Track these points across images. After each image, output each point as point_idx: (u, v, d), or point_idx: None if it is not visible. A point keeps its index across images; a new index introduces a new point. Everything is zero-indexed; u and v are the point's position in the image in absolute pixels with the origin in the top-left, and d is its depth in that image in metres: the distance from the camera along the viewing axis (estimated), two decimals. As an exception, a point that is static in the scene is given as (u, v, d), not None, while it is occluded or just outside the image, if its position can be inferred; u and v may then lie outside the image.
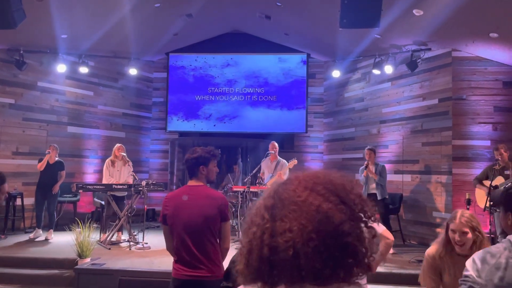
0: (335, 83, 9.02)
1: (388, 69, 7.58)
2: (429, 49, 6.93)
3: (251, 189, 6.67)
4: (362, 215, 0.86)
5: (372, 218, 0.87)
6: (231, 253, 2.38)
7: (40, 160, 7.04)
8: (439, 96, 6.81)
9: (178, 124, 9.45)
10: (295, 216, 0.82)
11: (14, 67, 7.64)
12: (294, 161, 6.57)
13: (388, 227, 6.21)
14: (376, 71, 7.71)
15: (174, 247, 2.56)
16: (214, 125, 9.28)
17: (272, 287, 0.83)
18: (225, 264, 2.57)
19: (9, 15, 4.74)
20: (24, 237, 6.98)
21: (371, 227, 0.87)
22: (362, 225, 0.85)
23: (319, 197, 0.83)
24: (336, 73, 8.55)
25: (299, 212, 0.82)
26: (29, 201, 7.76)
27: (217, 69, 9.42)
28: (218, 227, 2.56)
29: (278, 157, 6.93)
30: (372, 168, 6.32)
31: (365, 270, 0.84)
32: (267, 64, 9.30)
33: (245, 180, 6.95)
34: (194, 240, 2.50)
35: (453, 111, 6.57)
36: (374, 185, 6.29)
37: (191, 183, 2.64)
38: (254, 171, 6.83)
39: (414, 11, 5.74)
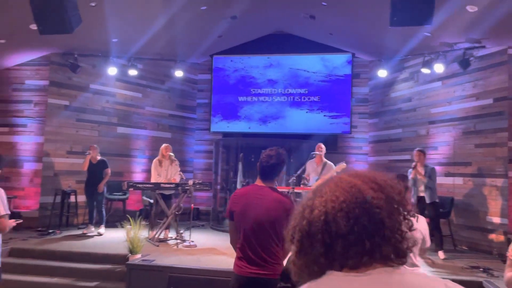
0: (381, 83, 8.78)
1: (438, 68, 7.26)
2: (483, 47, 6.63)
3: (295, 190, 6.56)
4: (399, 207, 0.87)
5: (410, 214, 0.88)
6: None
7: (83, 163, 7.20)
8: (494, 95, 6.51)
9: (221, 125, 9.54)
10: (331, 190, 0.87)
11: (69, 70, 7.92)
12: (342, 165, 6.29)
13: (438, 231, 6.01)
14: (425, 70, 7.42)
15: (240, 244, 2.58)
16: (257, 126, 9.32)
17: (319, 270, 0.85)
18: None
19: (66, 20, 4.90)
20: (77, 233, 7.18)
21: (408, 219, 0.88)
22: (398, 215, 0.86)
23: (358, 180, 0.89)
24: (382, 73, 8.30)
25: (335, 187, 0.88)
26: (82, 198, 7.97)
27: (259, 70, 9.42)
28: (283, 230, 2.54)
29: (325, 159, 6.78)
30: (421, 170, 6.10)
31: (399, 256, 0.84)
32: (310, 64, 9.19)
33: (289, 181, 6.83)
34: (260, 239, 2.51)
35: (509, 111, 6.29)
36: (422, 188, 6.08)
37: (261, 183, 2.62)
38: (298, 172, 6.71)
39: (467, 8, 5.49)
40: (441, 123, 7.41)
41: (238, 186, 8.13)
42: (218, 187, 8.91)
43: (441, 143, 7.33)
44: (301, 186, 6.56)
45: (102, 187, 7.07)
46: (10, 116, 7.92)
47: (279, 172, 2.62)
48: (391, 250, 0.83)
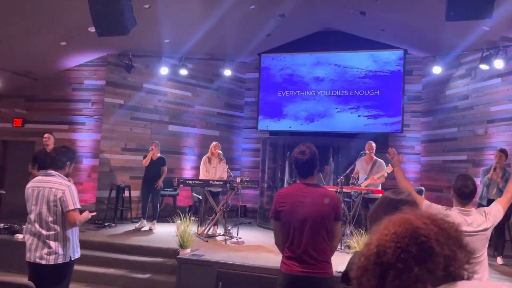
0: (435, 80, 8.45)
1: (498, 63, 6.87)
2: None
3: (344, 190, 6.44)
4: (455, 242, 0.88)
5: (466, 265, 0.88)
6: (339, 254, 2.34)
7: (144, 157, 7.32)
8: (557, 92, 6.06)
9: (268, 123, 9.55)
10: (385, 226, 0.91)
11: (124, 70, 8.19)
12: (389, 168, 6.09)
13: (501, 236, 5.70)
14: (483, 66, 7.05)
15: (288, 243, 2.54)
16: (304, 125, 9.24)
17: None
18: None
19: (122, 22, 5.08)
20: (131, 226, 7.35)
21: (469, 262, 0.89)
22: (453, 247, 0.87)
23: (412, 216, 0.91)
24: (436, 69, 7.96)
25: (388, 222, 0.92)
26: (135, 193, 8.22)
27: (306, 68, 9.32)
28: (331, 226, 2.52)
29: (375, 157, 6.61)
30: (499, 172, 5.71)
31: (450, 277, 0.85)
32: (359, 62, 8.99)
33: (338, 180, 6.73)
34: (309, 238, 2.48)
35: None
36: (495, 191, 5.72)
37: (305, 181, 2.60)
38: (347, 171, 6.61)
39: (532, -1, 5.15)
40: (501, 122, 7.05)
41: (285, 184, 8.11)
42: (265, 185, 8.93)
43: (501, 143, 6.95)
44: (350, 185, 6.41)
45: (161, 183, 7.22)
46: (70, 115, 8.25)
47: (316, 166, 2.59)
48: (444, 275, 0.84)
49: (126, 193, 8.05)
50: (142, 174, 7.52)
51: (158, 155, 7.36)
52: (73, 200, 3.07)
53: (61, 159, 3.17)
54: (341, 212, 2.56)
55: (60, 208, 3.05)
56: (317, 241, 2.48)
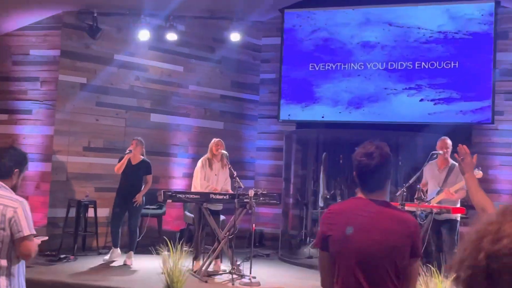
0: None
1: None
2: None
3: (406, 207, 6.33)
4: None
5: None
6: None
7: (120, 159, 7.33)
8: None
9: (295, 110, 9.51)
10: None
11: (86, 35, 8.20)
12: (478, 173, 5.91)
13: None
14: None
15: (340, 285, 2.55)
16: (345, 112, 9.30)
17: None
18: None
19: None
20: (97, 260, 7.42)
21: None
22: None
23: None
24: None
25: None
26: (104, 212, 8.16)
27: (350, 30, 9.34)
28: (405, 264, 2.49)
29: (451, 160, 6.45)
30: None
31: None
32: (429, 20, 8.93)
33: (397, 194, 6.59)
34: (370, 277, 2.47)
35: None
36: None
37: (370, 196, 2.58)
38: (410, 181, 6.57)
39: None
40: None
41: (321, 200, 8.29)
42: (291, 200, 8.93)
43: None
44: (415, 201, 6.38)
45: (141, 198, 7.30)
46: (10, 99, 8.26)
47: (389, 175, 2.63)
48: None
49: (91, 212, 8.04)
50: (114, 184, 7.53)
51: (141, 157, 7.43)
52: (28, 223, 3.07)
53: (5, 164, 3.16)
54: (421, 246, 2.55)
55: (8, 232, 3.03)
56: (382, 282, 2.47)
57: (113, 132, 8.58)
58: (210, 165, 7.08)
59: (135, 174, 7.35)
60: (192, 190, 7.09)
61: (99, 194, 8.28)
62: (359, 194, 2.63)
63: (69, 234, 7.84)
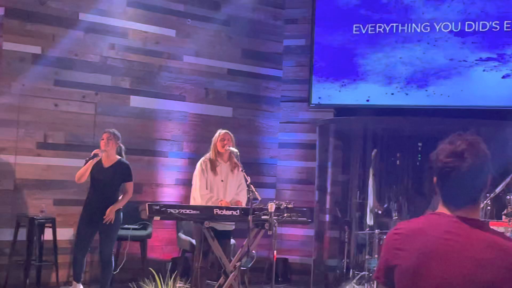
0: None
1: None
2: None
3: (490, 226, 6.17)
4: None
5: None
6: None
7: (86, 162, 7.25)
8: None
9: (331, 91, 9.50)
10: None
11: (41, -13, 8.15)
12: None
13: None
14: None
15: None
16: (401, 93, 9.28)
17: None
18: None
19: None
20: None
21: None
22: None
23: None
24: None
25: None
26: (66, 233, 8.09)
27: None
28: None
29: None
30: None
31: None
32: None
33: (481, 206, 6.49)
34: None
35: None
36: None
37: (457, 212, 2.47)
38: (497, 190, 6.73)
39: None
40: None
41: (370, 217, 8.41)
42: (327, 217, 8.99)
43: None
44: (504, 218, 6.48)
45: (112, 215, 7.24)
46: None
47: (484, 186, 2.51)
48: None
49: (48, 234, 7.98)
50: (81, 195, 7.54)
51: (117, 158, 7.42)
52: None
53: None
54: None
55: None
56: None
57: (79, 122, 8.52)
58: (213, 168, 7.02)
59: (108, 181, 7.29)
60: (191, 203, 7.08)
61: (60, 209, 8.22)
62: (441, 209, 2.55)
63: (18, 265, 7.85)
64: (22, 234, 7.82)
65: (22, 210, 8.08)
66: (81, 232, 7.31)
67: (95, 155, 7.17)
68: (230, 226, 7.03)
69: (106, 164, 7.29)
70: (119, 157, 7.42)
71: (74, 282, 7.34)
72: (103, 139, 7.26)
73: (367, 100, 9.26)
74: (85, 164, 7.24)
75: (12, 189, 8.08)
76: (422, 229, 2.52)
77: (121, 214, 7.38)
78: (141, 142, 8.83)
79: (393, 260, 2.53)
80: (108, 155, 7.29)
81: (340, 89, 9.40)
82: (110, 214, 7.15)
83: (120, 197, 7.38)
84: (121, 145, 7.50)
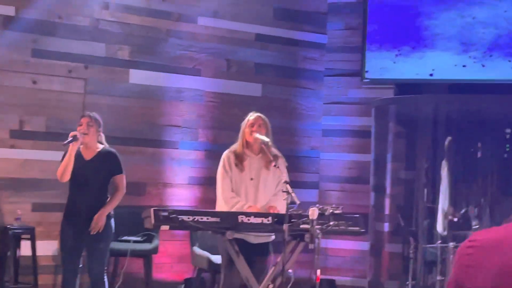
0: None
1: None
2: None
3: None
4: None
5: None
6: None
7: (63, 156, 7.21)
8: None
9: (391, 62, 9.52)
10: None
11: None
12: None
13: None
14: None
15: None
16: (477, 64, 9.29)
17: None
18: None
19: None
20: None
21: None
22: None
23: None
24: None
25: None
26: (49, 246, 8.14)
27: None
28: None
29: None
30: None
31: None
32: None
33: None
34: None
35: None
36: None
37: None
38: None
39: None
40: None
41: (442, 225, 8.43)
42: (386, 226, 9.04)
43: None
44: None
45: (103, 221, 7.21)
46: None
47: None
48: None
49: (26, 248, 8.07)
50: (61, 197, 7.54)
51: (100, 147, 7.42)
52: None
53: None
54: None
55: None
56: None
57: (64, 104, 8.56)
58: (240, 163, 6.98)
59: (92, 177, 7.29)
60: (217, 209, 7.09)
61: (40, 216, 8.27)
62: None
63: None
64: None
65: None
66: (65, 247, 7.27)
67: (74, 138, 7.04)
68: (265, 238, 6.96)
69: (87, 156, 7.26)
70: (104, 146, 7.42)
71: None
72: (81, 125, 7.20)
73: (431, 75, 9.30)
74: (64, 155, 7.19)
75: (-21, 190, 8.14)
76: (503, 242, 2.23)
77: (112, 220, 7.33)
78: (143, 129, 8.88)
79: (465, 281, 2.27)
80: (89, 145, 7.27)
81: (401, 59, 9.43)
82: (99, 220, 7.09)
83: (109, 198, 7.33)
84: (102, 133, 7.46)
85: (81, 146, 7.23)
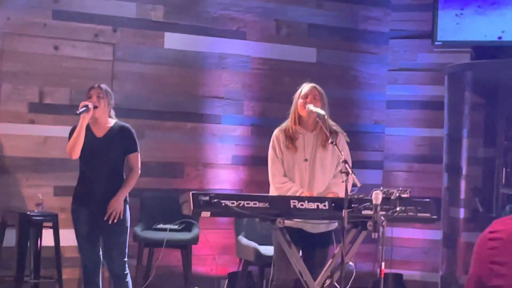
0: None
1: None
2: None
3: None
4: None
5: None
6: None
7: (71, 132, 7.09)
8: None
9: (465, 22, 9.38)
10: None
11: None
12: None
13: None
14: None
15: None
16: None
17: None
18: None
19: None
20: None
21: None
22: None
23: None
24: None
25: None
26: (72, 236, 7.71)
27: None
28: None
29: None
30: None
31: None
32: None
33: None
34: None
35: None
36: None
37: None
38: None
39: None
40: None
41: None
42: (461, 212, 8.83)
43: None
44: None
45: (121, 205, 7.08)
46: None
47: None
48: None
49: (48, 238, 7.86)
50: None
51: (111, 122, 7.30)
52: None
53: None
54: None
55: None
56: None
57: (90, 73, 8.36)
58: (292, 142, 6.66)
59: (105, 156, 7.17)
60: (271, 193, 6.88)
61: (64, 201, 7.91)
62: None
63: (5, 283, 7.84)
64: (10, 238, 7.78)
65: (9, 203, 8.04)
66: (80, 235, 7.15)
67: (86, 108, 6.88)
68: (326, 226, 6.64)
69: (99, 133, 7.13)
70: (115, 120, 7.29)
71: None
72: (90, 97, 7.05)
73: (499, 38, 9.19)
74: (71, 130, 7.09)
75: (-7, 172, 7.99)
76: None
77: (128, 205, 7.25)
78: (180, 101, 8.86)
79: (488, 279, 2.42)
80: (99, 120, 7.13)
81: (480, 18, 9.31)
82: (116, 206, 6.96)
83: (123, 180, 7.26)
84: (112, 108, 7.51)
85: (90, 122, 7.10)
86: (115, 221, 6.95)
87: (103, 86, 7.22)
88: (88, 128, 7.01)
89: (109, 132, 7.15)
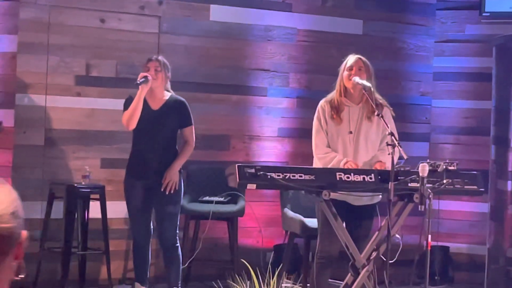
0: None
1: None
2: None
3: None
4: None
5: None
6: None
7: (127, 102, 7.22)
8: None
9: None
10: None
11: None
12: None
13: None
14: None
15: None
16: None
17: None
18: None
19: None
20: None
21: None
22: None
23: None
24: None
25: None
26: (120, 208, 8.09)
27: None
28: None
29: None
30: None
31: None
32: None
33: None
34: None
35: None
36: None
37: None
38: None
39: None
40: None
41: None
42: (509, 185, 8.64)
43: None
44: None
45: (176, 177, 7.26)
46: None
47: None
48: None
49: (95, 210, 8.04)
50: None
51: (167, 95, 7.44)
52: None
53: None
54: None
55: None
56: None
57: (136, 45, 8.57)
58: (337, 114, 6.76)
59: (161, 128, 7.31)
60: (314, 165, 6.96)
61: (111, 173, 8.30)
62: None
63: (53, 254, 7.94)
64: (58, 210, 7.85)
65: (57, 175, 8.15)
66: (133, 207, 7.31)
67: (145, 79, 7.05)
68: (371, 198, 6.73)
69: (155, 105, 7.28)
70: (170, 93, 7.41)
71: (137, 284, 7.39)
72: (148, 70, 7.20)
73: None
74: (127, 104, 7.23)
75: (42, 144, 8.18)
76: None
77: (182, 178, 7.38)
78: (226, 74, 8.88)
79: None
80: (155, 92, 7.27)
81: None
82: (172, 176, 7.11)
83: (178, 152, 7.40)
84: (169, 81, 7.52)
85: (146, 94, 7.23)
86: (172, 191, 7.15)
87: (161, 58, 7.37)
88: (143, 100, 7.21)
89: (165, 105, 7.35)
